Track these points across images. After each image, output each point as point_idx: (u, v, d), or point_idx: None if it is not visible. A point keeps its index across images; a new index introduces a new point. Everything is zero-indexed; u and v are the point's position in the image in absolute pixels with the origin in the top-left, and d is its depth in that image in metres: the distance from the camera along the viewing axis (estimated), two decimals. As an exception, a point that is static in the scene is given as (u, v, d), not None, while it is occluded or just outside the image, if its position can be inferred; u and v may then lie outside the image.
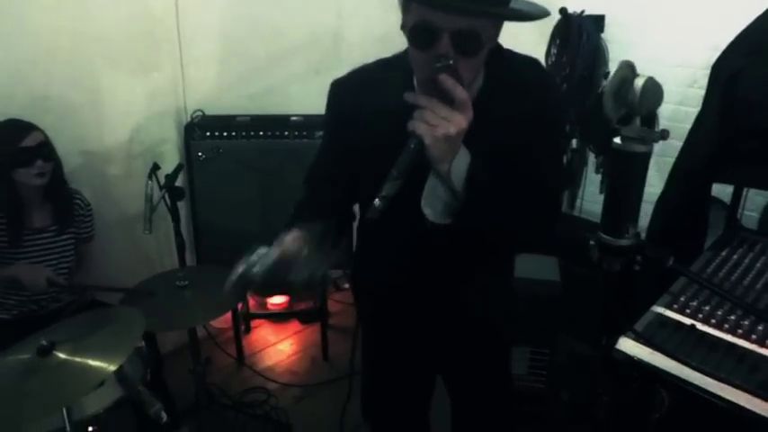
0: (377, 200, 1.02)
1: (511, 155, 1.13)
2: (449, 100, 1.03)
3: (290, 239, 1.21)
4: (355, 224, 1.48)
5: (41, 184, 2.02)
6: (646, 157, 0.81)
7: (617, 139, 0.81)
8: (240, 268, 1.16)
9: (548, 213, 1.28)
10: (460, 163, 1.10)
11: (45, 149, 2.02)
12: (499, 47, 1.18)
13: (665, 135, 1.01)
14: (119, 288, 1.99)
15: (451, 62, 1.03)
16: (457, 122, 1.02)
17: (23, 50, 2.19)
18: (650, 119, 2.93)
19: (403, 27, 1.11)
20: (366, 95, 1.23)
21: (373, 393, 1.67)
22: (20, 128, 1.99)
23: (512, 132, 1.14)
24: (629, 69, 0.80)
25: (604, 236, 0.84)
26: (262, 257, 1.16)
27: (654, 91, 0.80)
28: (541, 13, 1.08)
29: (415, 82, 1.18)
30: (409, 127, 1.03)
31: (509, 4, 1.05)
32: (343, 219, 1.43)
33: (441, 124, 1.02)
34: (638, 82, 0.80)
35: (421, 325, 1.46)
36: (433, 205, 1.20)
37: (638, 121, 0.80)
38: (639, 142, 0.77)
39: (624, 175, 0.82)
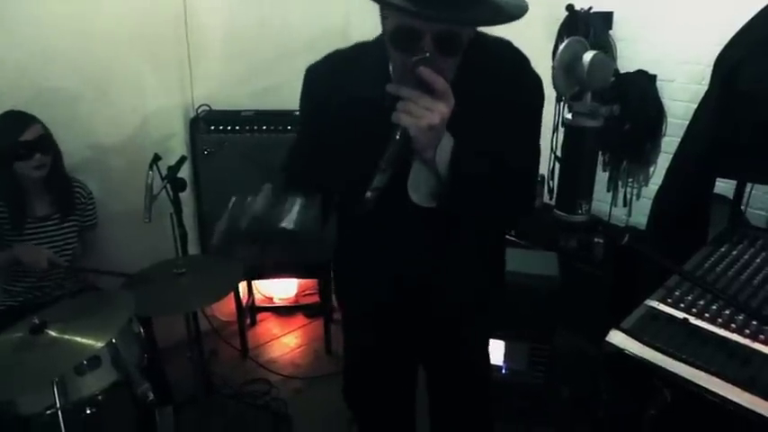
0: (368, 192, 1.04)
1: (489, 136, 1.14)
2: (430, 90, 1.04)
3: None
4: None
5: (40, 176, 2.07)
6: (596, 132, 0.81)
7: (568, 115, 0.81)
8: (225, 219, 1.18)
9: (523, 194, 1.29)
10: (444, 148, 1.12)
11: (44, 142, 2.06)
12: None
13: (614, 111, 1.00)
14: (117, 272, 2.04)
15: (428, 54, 1.05)
16: (439, 111, 1.04)
17: (32, 44, 2.25)
18: (658, 116, 2.91)
19: (383, 30, 1.13)
20: (342, 80, 1.24)
21: (355, 381, 1.69)
22: (19, 121, 2.03)
23: (489, 113, 1.15)
24: (579, 45, 0.80)
25: (558, 212, 0.84)
26: (247, 206, 1.17)
27: (602, 66, 0.80)
28: (520, 11, 1.07)
29: (391, 72, 1.19)
30: (393, 119, 1.05)
31: (487, 5, 1.05)
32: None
33: (424, 115, 1.03)
34: (586, 57, 0.80)
35: (401, 313, 1.47)
36: (418, 190, 1.22)
37: (588, 97, 0.80)
38: (590, 117, 0.77)
39: (576, 150, 0.82)
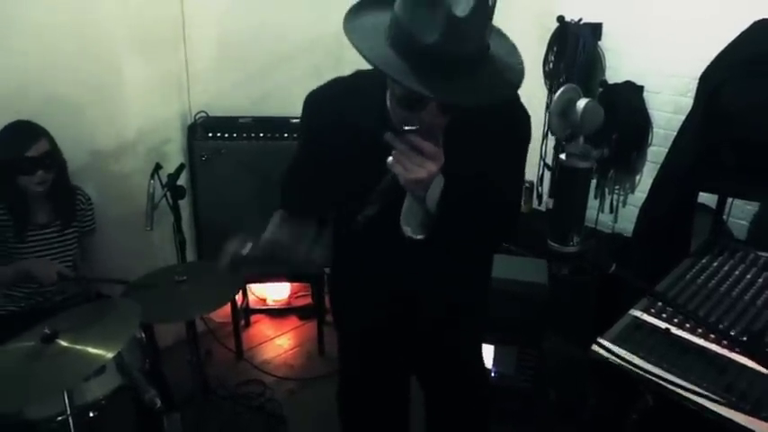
0: (359, 217, 1.13)
1: (477, 167, 1.20)
2: (420, 151, 1.11)
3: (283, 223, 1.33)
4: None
5: (42, 190, 2.10)
6: (588, 173, 0.87)
7: (562, 156, 0.88)
8: (232, 248, 1.27)
9: (506, 224, 1.37)
10: (435, 188, 1.18)
11: (47, 159, 2.08)
12: None
13: (605, 154, 1.07)
14: (122, 281, 2.07)
15: (417, 127, 1.11)
16: (428, 169, 1.11)
17: (32, 52, 2.28)
18: (645, 126, 2.99)
19: (388, 87, 1.18)
20: (341, 108, 1.29)
21: (350, 392, 1.75)
22: (27, 135, 2.05)
23: (478, 146, 1.22)
24: (574, 92, 0.86)
25: (552, 243, 0.90)
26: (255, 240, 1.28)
27: (593, 113, 0.87)
28: (516, 82, 1.11)
29: (388, 103, 1.24)
30: (388, 164, 1.13)
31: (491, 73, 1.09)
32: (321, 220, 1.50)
33: (413, 170, 1.11)
34: (580, 104, 0.86)
35: (392, 327, 1.53)
36: (409, 222, 1.29)
37: (581, 140, 0.87)
38: (582, 159, 0.83)
39: (568, 188, 0.88)
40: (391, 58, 1.04)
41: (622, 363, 1.54)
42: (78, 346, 1.43)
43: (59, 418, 1.44)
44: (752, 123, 1.82)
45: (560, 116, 0.82)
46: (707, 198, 2.47)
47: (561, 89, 0.78)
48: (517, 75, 1.12)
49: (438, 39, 0.99)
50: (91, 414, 1.63)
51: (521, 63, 1.13)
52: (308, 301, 3.43)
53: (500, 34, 1.16)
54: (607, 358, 1.57)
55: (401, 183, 1.13)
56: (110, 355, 1.38)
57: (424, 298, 1.47)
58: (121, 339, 1.44)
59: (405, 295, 1.46)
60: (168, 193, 2.15)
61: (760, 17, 2.14)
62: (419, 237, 1.28)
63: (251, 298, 3.37)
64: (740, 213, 2.77)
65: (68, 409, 1.38)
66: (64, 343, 1.45)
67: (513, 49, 1.15)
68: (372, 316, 1.53)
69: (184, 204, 2.44)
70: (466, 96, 1.04)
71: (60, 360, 1.40)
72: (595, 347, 1.59)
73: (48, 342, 1.44)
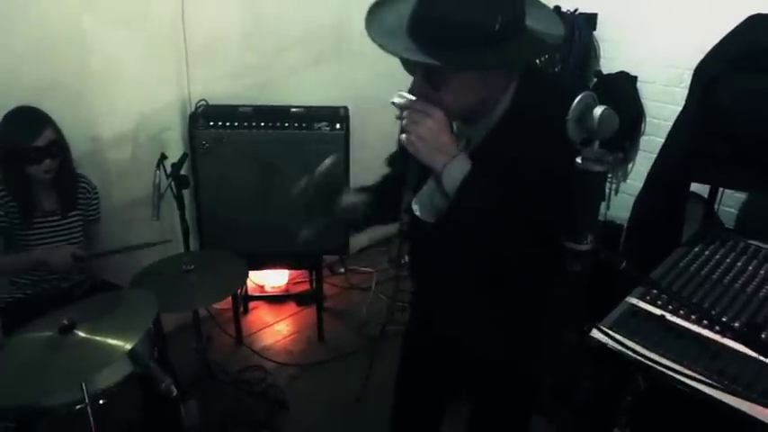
0: (401, 216, 1.17)
1: (521, 181, 1.14)
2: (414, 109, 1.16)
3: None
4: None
5: (48, 178, 2.11)
6: (602, 176, 0.92)
7: (578, 159, 0.92)
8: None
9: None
10: (457, 169, 1.15)
11: (54, 148, 2.09)
12: (533, 71, 1.23)
13: (617, 159, 1.11)
14: (134, 246, 2.12)
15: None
16: (422, 123, 1.14)
17: (32, 38, 2.27)
18: (638, 116, 3.05)
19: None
20: None
21: (398, 385, 1.75)
22: (33, 124, 2.05)
23: (525, 162, 1.14)
24: (591, 99, 0.90)
25: (567, 242, 0.94)
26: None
27: (609, 120, 0.91)
28: (554, 39, 1.14)
29: None
30: (400, 141, 1.17)
31: (480, 48, 1.08)
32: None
33: (412, 129, 1.15)
34: (597, 111, 0.90)
35: (434, 349, 1.56)
36: (422, 203, 1.29)
37: (596, 144, 0.92)
38: (597, 163, 0.88)
39: (583, 191, 0.92)
40: (388, 28, 1.12)
41: (619, 348, 1.60)
42: (97, 338, 1.45)
43: (78, 406, 1.46)
44: (745, 117, 1.87)
45: (577, 122, 0.83)
46: (698, 186, 2.55)
47: (579, 96, 0.80)
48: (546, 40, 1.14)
49: (416, 4, 1.10)
50: (101, 401, 1.66)
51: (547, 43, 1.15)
52: (306, 287, 3.46)
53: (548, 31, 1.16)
54: (605, 344, 1.63)
55: (410, 150, 1.15)
56: (128, 346, 1.40)
57: (459, 332, 1.44)
58: (138, 330, 1.47)
59: (441, 323, 1.48)
60: (173, 183, 2.16)
61: (753, 8, 2.19)
62: (429, 220, 1.27)
63: (249, 285, 3.39)
64: (730, 201, 2.86)
65: (87, 398, 1.40)
66: (82, 334, 1.47)
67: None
68: (415, 332, 1.60)
69: (185, 193, 2.45)
70: (430, 57, 1.07)
71: (79, 351, 1.42)
72: (593, 333, 1.65)
73: (66, 333, 1.46)
